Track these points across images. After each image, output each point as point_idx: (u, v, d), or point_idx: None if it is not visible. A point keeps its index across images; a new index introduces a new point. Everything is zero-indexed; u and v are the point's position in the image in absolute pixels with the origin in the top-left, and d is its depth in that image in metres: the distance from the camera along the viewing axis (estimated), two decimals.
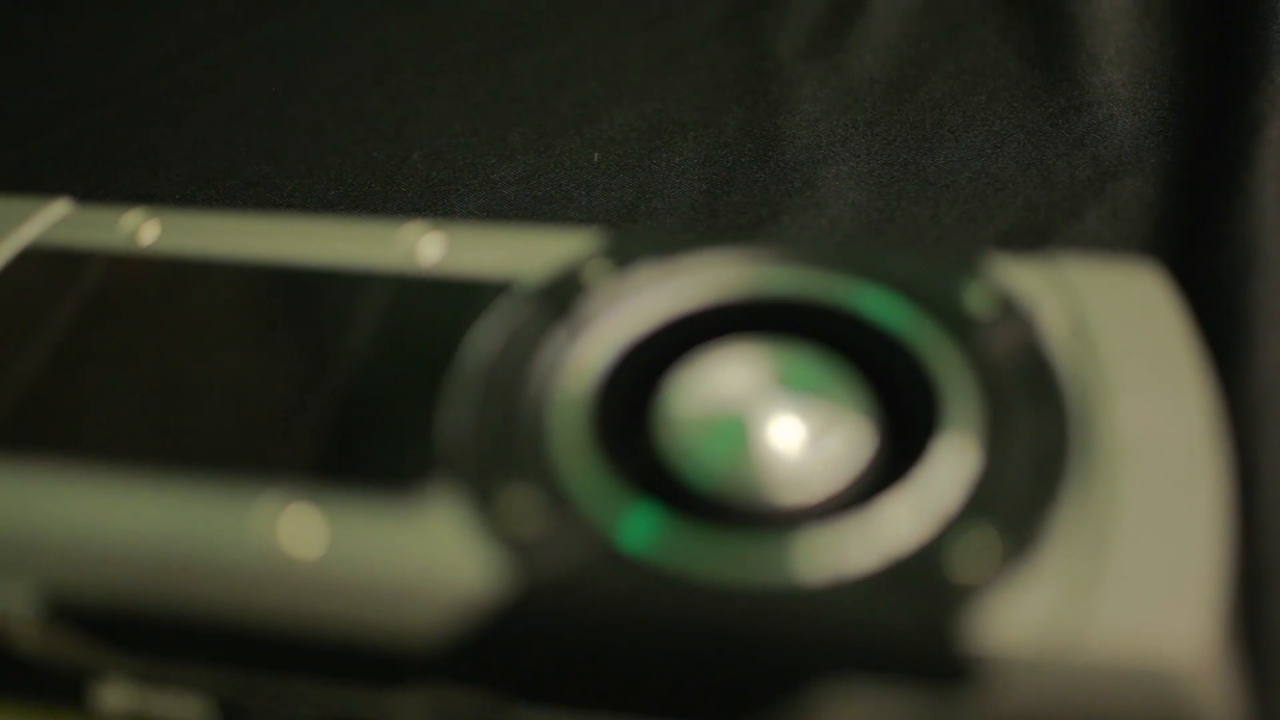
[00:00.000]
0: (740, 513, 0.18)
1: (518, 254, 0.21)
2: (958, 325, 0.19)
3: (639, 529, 0.17)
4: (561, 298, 0.20)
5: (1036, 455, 0.17)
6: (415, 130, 0.31)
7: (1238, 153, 0.26)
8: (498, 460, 0.18)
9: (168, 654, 0.19)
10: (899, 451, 0.18)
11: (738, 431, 0.18)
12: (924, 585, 0.16)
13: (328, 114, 0.32)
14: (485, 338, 0.20)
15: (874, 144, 0.29)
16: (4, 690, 0.19)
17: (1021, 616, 0.16)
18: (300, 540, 0.18)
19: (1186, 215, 0.26)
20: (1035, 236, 0.26)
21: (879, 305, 0.20)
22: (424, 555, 0.17)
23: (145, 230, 0.23)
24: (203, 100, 0.32)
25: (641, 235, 0.22)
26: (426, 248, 0.22)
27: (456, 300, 0.21)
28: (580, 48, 0.33)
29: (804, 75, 0.31)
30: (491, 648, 0.17)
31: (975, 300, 0.20)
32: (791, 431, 0.18)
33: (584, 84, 0.32)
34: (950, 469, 0.18)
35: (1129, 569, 0.16)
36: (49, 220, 0.23)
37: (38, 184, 0.30)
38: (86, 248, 0.23)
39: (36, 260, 0.23)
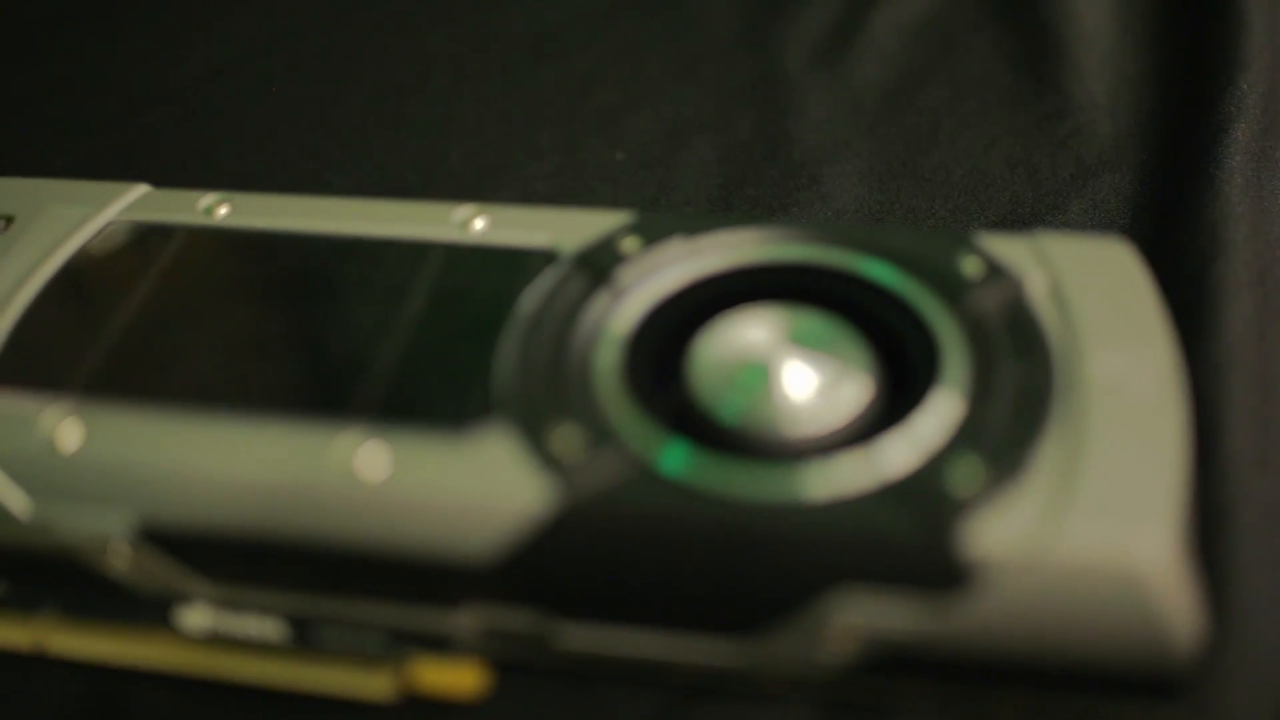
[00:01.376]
0: (759, 447, 0.20)
1: (558, 229, 0.24)
2: (950, 288, 0.22)
3: (673, 457, 0.20)
4: (601, 265, 0.23)
5: (1020, 398, 0.20)
6: (451, 132, 0.33)
7: (1207, 151, 0.28)
8: (547, 403, 0.20)
9: (247, 577, 0.21)
10: (899, 399, 0.21)
11: (759, 376, 0.21)
12: (915, 502, 0.18)
13: (369, 118, 0.34)
14: (534, 298, 0.22)
15: (875, 145, 0.31)
16: (97, 613, 0.22)
17: (1006, 529, 0.18)
18: (371, 467, 0.20)
19: (1160, 206, 0.28)
20: (1022, 225, 0.28)
21: (881, 271, 0.22)
22: (480, 481, 0.20)
23: (218, 208, 0.25)
24: (253, 105, 0.35)
25: (669, 214, 0.24)
26: (476, 223, 0.24)
27: (504, 267, 0.23)
28: (603, 58, 0.35)
29: (811, 83, 0.33)
30: (540, 562, 0.19)
31: (965, 267, 0.22)
32: (804, 378, 0.21)
33: (607, 91, 0.34)
34: (943, 411, 0.20)
35: (1100, 490, 0.18)
36: (129, 200, 0.26)
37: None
38: (165, 223, 0.25)
39: (120, 233, 0.25)
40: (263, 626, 0.21)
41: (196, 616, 0.22)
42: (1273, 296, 0.26)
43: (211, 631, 0.21)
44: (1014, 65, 0.33)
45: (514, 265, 0.23)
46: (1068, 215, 0.29)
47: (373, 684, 0.20)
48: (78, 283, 0.24)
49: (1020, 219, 0.28)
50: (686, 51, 0.35)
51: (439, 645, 0.21)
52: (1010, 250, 0.22)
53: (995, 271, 0.22)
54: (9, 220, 0.26)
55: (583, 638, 0.20)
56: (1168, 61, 0.32)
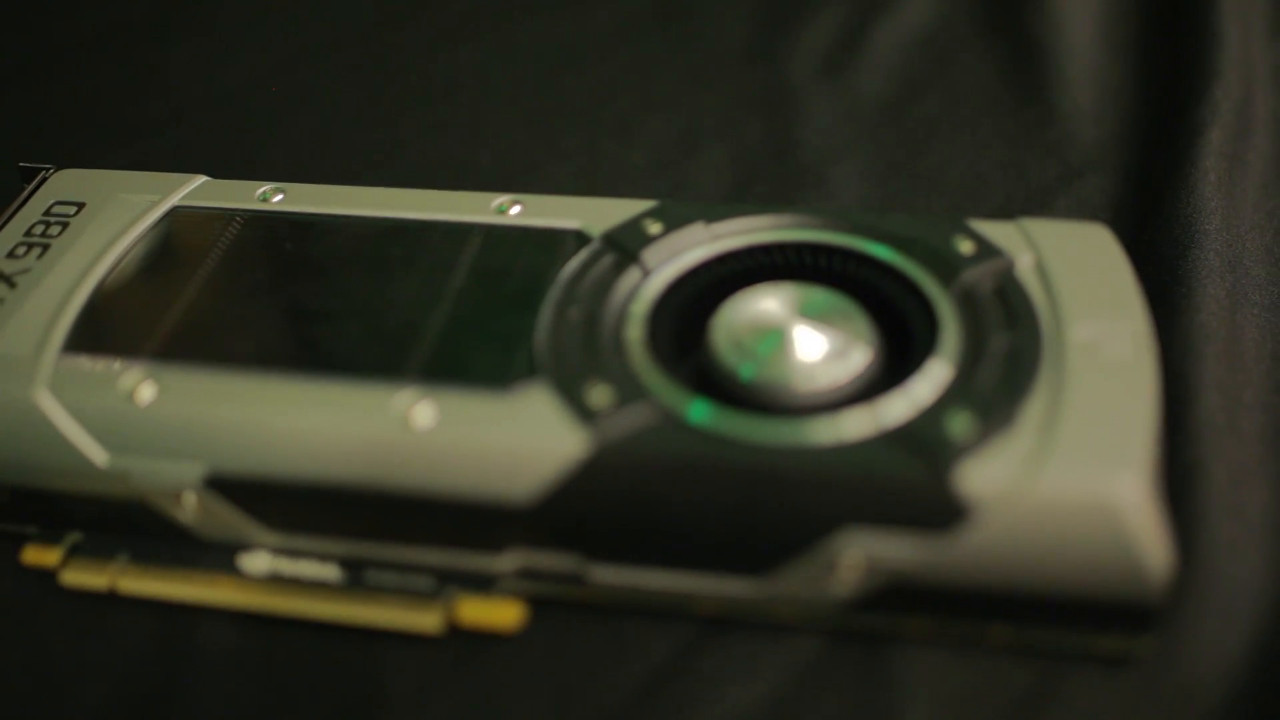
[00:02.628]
0: (773, 403, 0.22)
1: (587, 215, 0.26)
2: (945, 266, 0.24)
3: (697, 410, 0.22)
4: (628, 246, 0.25)
5: (1009, 361, 0.22)
6: (480, 136, 0.35)
7: (1183, 153, 0.30)
8: (582, 366, 0.23)
9: (306, 524, 0.23)
10: (899, 365, 0.23)
11: (774, 342, 0.23)
12: (913, 446, 0.21)
13: (403, 124, 0.36)
14: (567, 275, 0.24)
15: (876, 149, 0.34)
16: (166, 559, 0.24)
17: (996, 471, 0.20)
18: (423, 419, 0.22)
19: (1140, 203, 0.30)
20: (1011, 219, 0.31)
21: (882, 251, 0.25)
22: (522, 430, 0.22)
23: (273, 196, 0.28)
24: (293, 111, 0.37)
25: (689, 203, 0.26)
26: (513, 210, 0.26)
27: (540, 248, 0.25)
28: (621, 69, 0.38)
29: (815, 92, 0.35)
30: (576, 501, 0.21)
31: (959, 247, 0.24)
32: (813, 344, 0.23)
33: (625, 100, 0.36)
34: (939, 374, 0.22)
35: (1081, 439, 0.21)
36: (190, 189, 0.28)
37: None
38: (224, 208, 0.28)
39: (183, 218, 0.27)
40: (320, 570, 0.23)
41: (258, 561, 0.24)
42: (1242, 282, 0.28)
43: (272, 574, 0.23)
44: (1005, 76, 0.35)
45: (549, 245, 0.25)
46: (1054, 211, 0.31)
47: (422, 620, 0.22)
48: (146, 261, 0.26)
49: (1010, 214, 0.31)
50: (698, 63, 0.38)
51: (482, 585, 0.23)
52: (999, 233, 0.25)
53: (986, 251, 0.24)
54: (80, 206, 0.28)
55: (613, 575, 0.22)
56: (1147, 72, 0.34)
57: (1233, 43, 0.33)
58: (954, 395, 0.21)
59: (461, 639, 0.22)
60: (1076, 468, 0.20)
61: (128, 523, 0.24)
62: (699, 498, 0.21)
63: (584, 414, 0.22)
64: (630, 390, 0.22)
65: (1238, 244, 0.29)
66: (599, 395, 0.22)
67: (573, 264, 0.25)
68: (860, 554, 0.21)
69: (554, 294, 0.24)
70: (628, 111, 0.36)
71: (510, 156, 0.35)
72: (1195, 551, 0.22)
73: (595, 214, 0.26)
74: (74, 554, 0.24)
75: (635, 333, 0.23)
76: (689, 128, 0.35)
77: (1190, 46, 0.34)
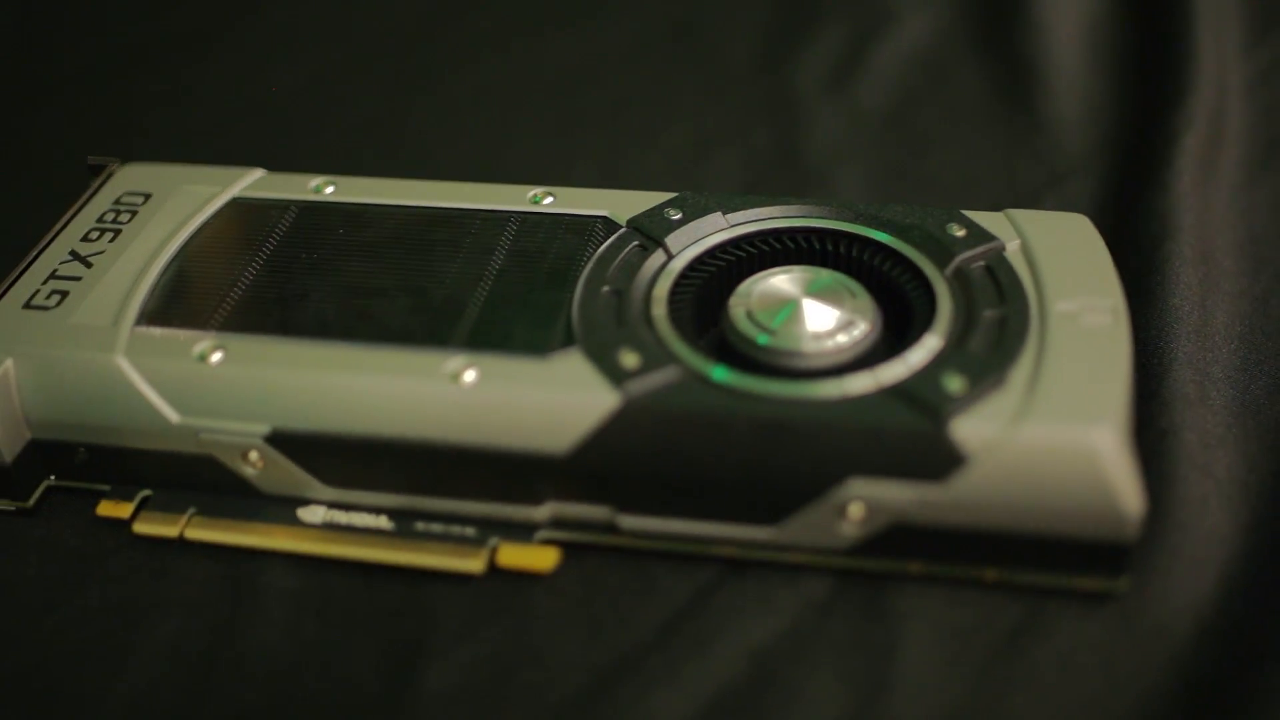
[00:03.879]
0: (786, 369, 0.24)
1: (615, 204, 0.28)
2: (940, 250, 0.26)
3: (719, 372, 0.24)
4: (653, 231, 0.27)
5: (998, 331, 0.24)
6: (506, 143, 0.38)
7: (1160, 157, 0.33)
8: (613, 336, 0.25)
9: (360, 479, 0.25)
10: (899, 337, 0.25)
11: (787, 314, 0.25)
12: (912, 400, 0.23)
13: (433, 135, 0.39)
14: (598, 257, 0.27)
15: (876, 155, 0.36)
16: (232, 513, 0.26)
17: (986, 424, 0.23)
18: (470, 380, 0.24)
19: (1120, 202, 0.33)
20: None
21: (883, 237, 0.27)
22: (558, 389, 0.24)
23: (325, 188, 0.30)
24: (329, 119, 0.40)
25: (707, 194, 0.29)
26: (546, 200, 0.29)
27: (572, 233, 0.28)
28: (638, 82, 0.40)
29: (820, 104, 0.38)
30: (607, 449, 0.23)
31: (953, 233, 0.27)
32: (821, 316, 0.25)
33: (643, 111, 0.39)
34: (935, 342, 0.24)
35: (1062, 396, 0.23)
36: (248, 181, 0.31)
37: None
38: (281, 198, 0.30)
39: (241, 207, 0.30)
40: (373, 522, 0.25)
41: (315, 515, 0.26)
42: (1213, 272, 0.30)
43: (326, 523, 0.26)
44: (996, 89, 0.38)
45: (579, 231, 0.28)
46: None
47: (467, 562, 0.24)
48: (209, 245, 0.29)
49: None
50: (711, 77, 0.40)
51: (521, 535, 0.25)
52: (989, 222, 0.27)
53: (977, 237, 0.27)
54: (147, 196, 0.30)
55: (640, 523, 0.24)
56: (1127, 86, 0.37)
57: (1207, 59, 0.36)
58: (949, 359, 0.24)
59: (502, 579, 0.24)
60: (1058, 420, 0.23)
61: (195, 478, 0.26)
62: (720, 447, 0.23)
63: (615, 375, 0.24)
64: (658, 356, 0.24)
65: (1209, 239, 0.31)
66: (629, 359, 0.24)
67: (602, 247, 0.27)
68: (864, 500, 0.23)
69: (586, 273, 0.27)
70: (645, 120, 0.39)
71: (534, 162, 0.37)
72: (1168, 506, 0.25)
73: (621, 204, 0.28)
74: (144, 507, 0.26)
75: (660, 308, 0.26)
76: (702, 135, 0.38)
77: (1168, 63, 0.36)
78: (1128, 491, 0.22)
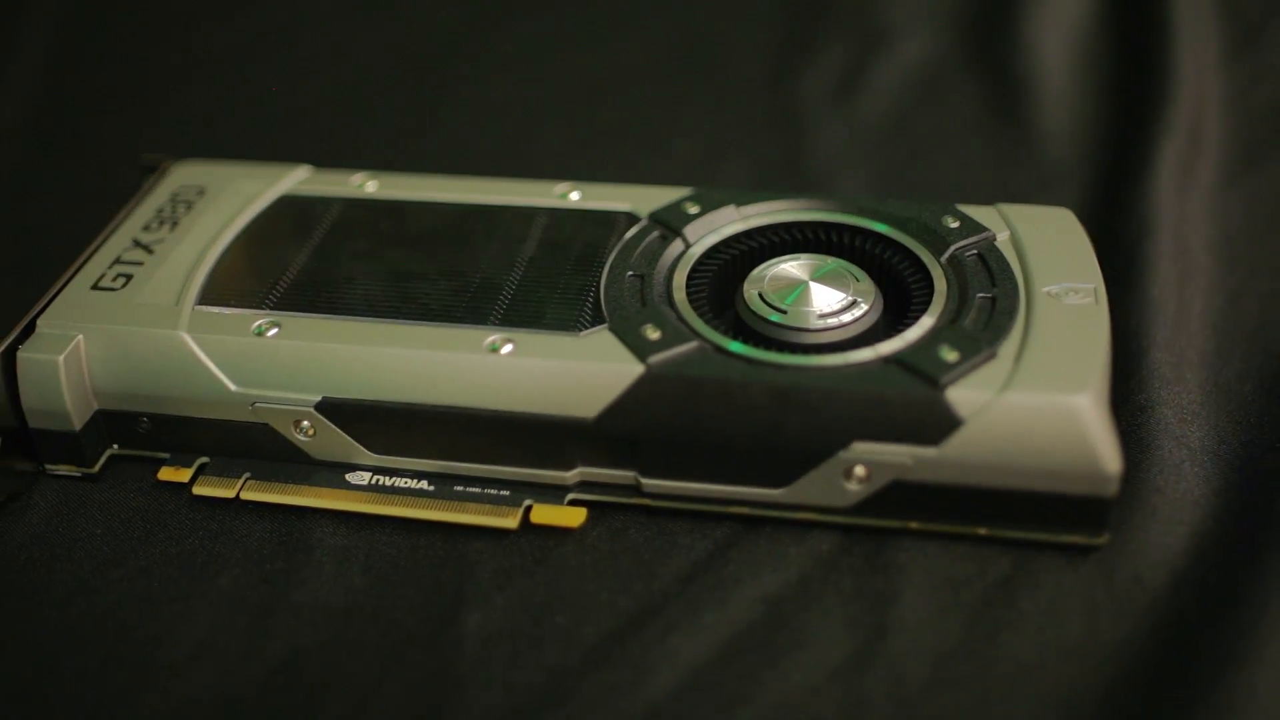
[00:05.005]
0: (795, 344, 0.27)
1: (636, 199, 0.31)
2: (936, 239, 0.29)
3: (735, 345, 0.26)
4: (672, 222, 0.30)
5: (989, 311, 0.27)
6: (528, 155, 0.40)
7: (1141, 162, 0.36)
8: (637, 315, 0.27)
9: (403, 445, 0.28)
10: (899, 318, 0.28)
11: (796, 295, 0.27)
12: (910, 368, 0.25)
13: (458, 145, 0.41)
14: (621, 245, 0.29)
15: (876, 161, 0.39)
16: (284, 477, 0.28)
17: (978, 390, 0.25)
18: (506, 352, 0.26)
19: (1104, 204, 0.35)
20: None
21: (884, 227, 0.29)
22: (587, 360, 0.26)
23: (369, 186, 0.32)
24: (367, 129, 0.42)
25: (722, 189, 0.31)
26: (572, 195, 0.31)
27: (597, 224, 0.30)
28: (653, 97, 0.43)
29: (824, 115, 0.41)
30: (631, 413, 0.26)
31: (948, 224, 0.29)
32: (828, 298, 0.27)
33: (658, 122, 0.42)
34: (931, 321, 0.27)
35: (1047, 366, 0.25)
36: (295, 179, 0.33)
37: None
38: (326, 195, 0.32)
39: (292, 200, 0.32)
40: (415, 485, 0.28)
41: (362, 479, 0.28)
42: (1190, 267, 0.33)
43: (373, 485, 0.28)
44: (988, 103, 0.41)
45: (604, 223, 0.30)
46: None
47: (502, 519, 0.27)
48: (261, 235, 0.31)
49: None
50: (722, 91, 0.43)
51: (552, 497, 0.27)
52: (981, 215, 0.30)
53: (970, 228, 0.29)
54: (202, 191, 0.32)
55: (661, 484, 0.26)
56: (1111, 100, 0.40)
57: (1186, 74, 0.38)
58: (945, 334, 0.26)
59: (535, 535, 0.27)
60: (1044, 387, 0.25)
61: (250, 446, 0.28)
62: (735, 412, 0.25)
63: (640, 348, 0.26)
64: (679, 331, 0.27)
65: (1187, 238, 0.33)
66: (652, 333, 0.27)
67: (626, 237, 0.30)
68: (867, 461, 0.25)
69: (611, 260, 0.29)
70: (660, 131, 0.41)
71: (556, 170, 0.39)
72: (1145, 472, 0.27)
73: (642, 199, 0.31)
74: (202, 472, 0.28)
75: (680, 291, 0.28)
76: (714, 145, 0.40)
77: (1149, 77, 0.39)
78: (1107, 451, 0.25)
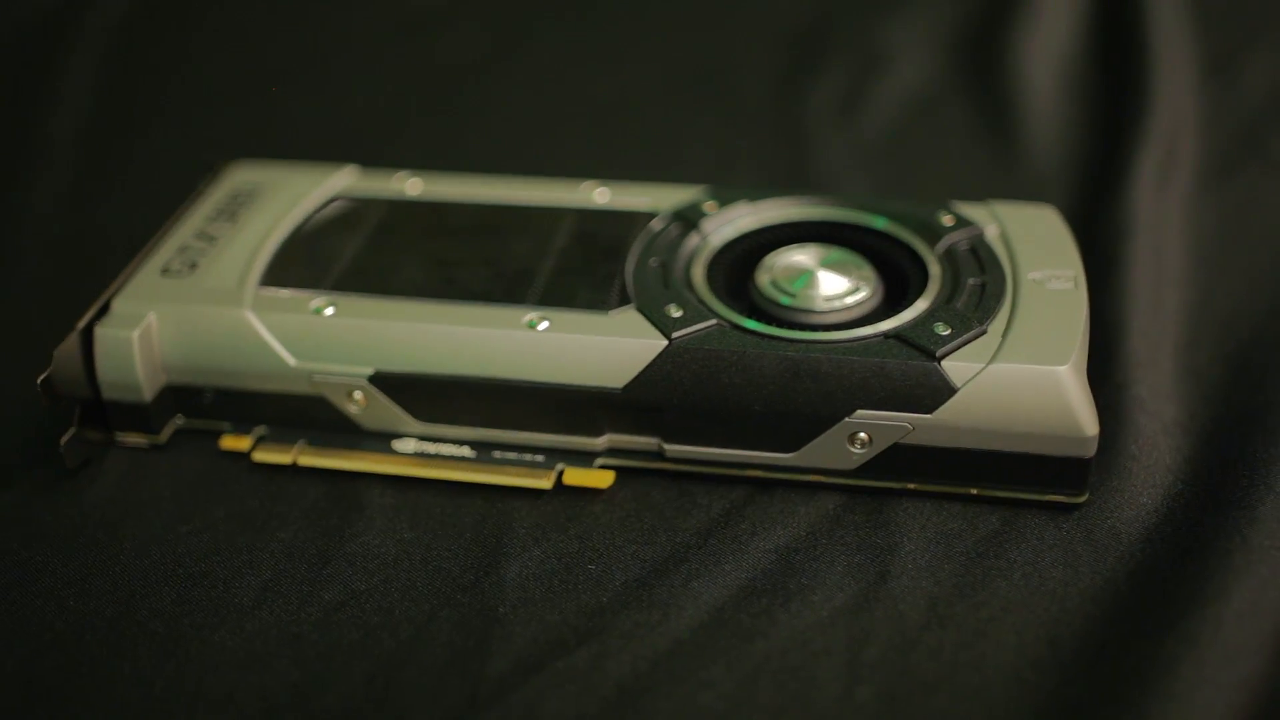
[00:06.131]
0: (804, 323, 0.30)
1: (658, 197, 0.34)
2: (931, 232, 0.32)
3: (749, 323, 0.29)
4: (691, 217, 0.33)
5: (979, 295, 0.29)
6: (552, 163, 0.43)
7: (1122, 171, 0.38)
8: (660, 298, 0.30)
9: (448, 415, 0.30)
10: (897, 302, 0.30)
11: (805, 280, 0.30)
12: (907, 341, 0.28)
13: (487, 159, 0.44)
14: (644, 238, 0.32)
15: (875, 173, 0.42)
16: (337, 445, 0.31)
17: (969, 363, 0.28)
18: (542, 328, 0.29)
19: (1087, 211, 0.38)
20: None
21: (883, 223, 0.32)
22: (615, 335, 0.29)
23: (412, 184, 0.35)
24: (403, 141, 0.45)
25: (735, 188, 0.34)
26: (598, 192, 0.34)
27: (622, 219, 0.33)
28: (665, 112, 0.46)
29: (827, 132, 0.44)
30: (657, 385, 0.28)
31: (941, 219, 0.32)
32: (834, 283, 0.30)
33: (671, 136, 0.45)
34: (927, 304, 0.29)
35: (1031, 342, 0.28)
36: (346, 178, 0.36)
37: None
38: (373, 190, 0.35)
39: (340, 198, 0.35)
40: (457, 451, 0.30)
41: (409, 446, 0.31)
42: (1165, 267, 0.36)
43: (417, 453, 0.30)
44: (980, 119, 0.44)
45: (629, 217, 0.33)
46: None
47: (537, 480, 0.29)
48: (315, 227, 0.34)
49: None
50: (731, 105, 0.46)
51: (582, 460, 0.30)
52: (972, 211, 0.32)
53: (962, 223, 0.32)
54: (258, 187, 0.35)
55: (682, 449, 0.29)
56: (1094, 116, 0.43)
57: (1164, 93, 0.42)
58: (939, 314, 0.29)
59: (567, 495, 0.29)
60: (1029, 359, 0.28)
61: (306, 417, 0.31)
62: (750, 382, 0.28)
63: (663, 325, 0.29)
64: (699, 310, 0.29)
65: (1163, 240, 0.36)
66: (675, 311, 0.29)
67: (649, 229, 0.32)
68: (869, 428, 0.28)
69: (635, 250, 0.32)
70: (674, 146, 0.44)
71: (581, 176, 0.42)
72: (1122, 442, 0.30)
73: (664, 196, 0.34)
74: (261, 441, 0.31)
75: (700, 278, 0.31)
76: (724, 155, 0.43)
77: (1130, 97, 0.42)
78: (1085, 416, 0.27)
